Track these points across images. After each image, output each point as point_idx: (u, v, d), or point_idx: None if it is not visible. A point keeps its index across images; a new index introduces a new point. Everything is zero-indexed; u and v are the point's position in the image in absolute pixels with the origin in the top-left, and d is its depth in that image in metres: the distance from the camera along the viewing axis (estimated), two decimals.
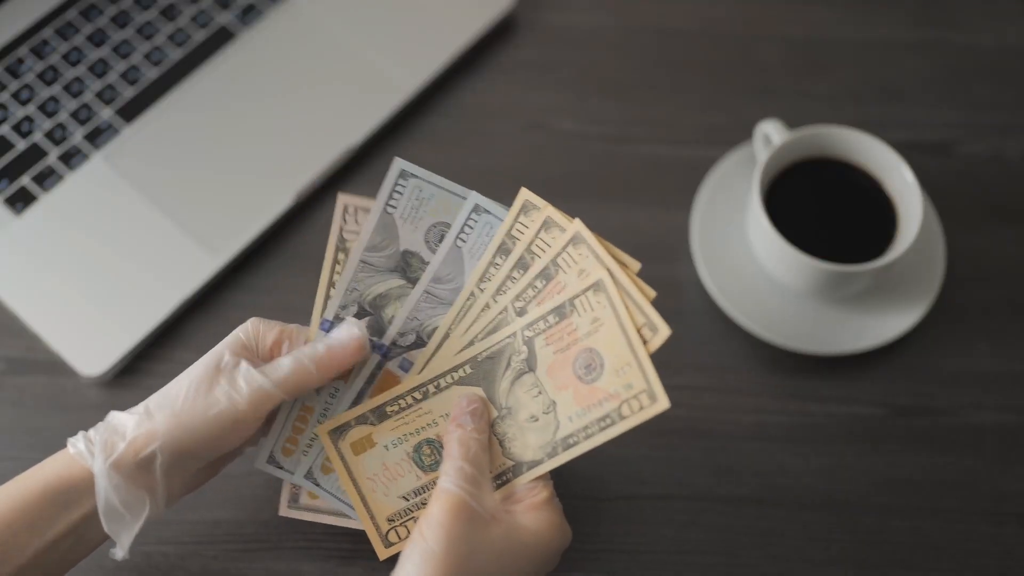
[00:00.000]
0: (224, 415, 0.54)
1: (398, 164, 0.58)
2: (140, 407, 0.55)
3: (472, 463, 0.54)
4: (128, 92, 0.79)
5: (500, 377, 0.56)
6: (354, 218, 0.59)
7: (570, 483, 0.70)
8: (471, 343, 0.57)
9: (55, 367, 0.72)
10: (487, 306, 0.57)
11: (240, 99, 0.79)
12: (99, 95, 0.79)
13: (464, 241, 0.58)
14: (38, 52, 0.80)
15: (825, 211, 0.73)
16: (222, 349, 0.56)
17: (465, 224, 0.58)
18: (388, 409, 0.58)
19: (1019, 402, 0.72)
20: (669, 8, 0.86)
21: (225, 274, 0.75)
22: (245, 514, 0.67)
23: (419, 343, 0.58)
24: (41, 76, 0.79)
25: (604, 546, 0.68)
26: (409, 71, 0.80)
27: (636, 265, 0.55)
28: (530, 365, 0.56)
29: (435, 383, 0.57)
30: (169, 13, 0.82)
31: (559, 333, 0.55)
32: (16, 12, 0.81)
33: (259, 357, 0.57)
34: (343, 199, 0.59)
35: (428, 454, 0.57)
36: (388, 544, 0.57)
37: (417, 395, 0.57)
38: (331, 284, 0.59)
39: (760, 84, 0.83)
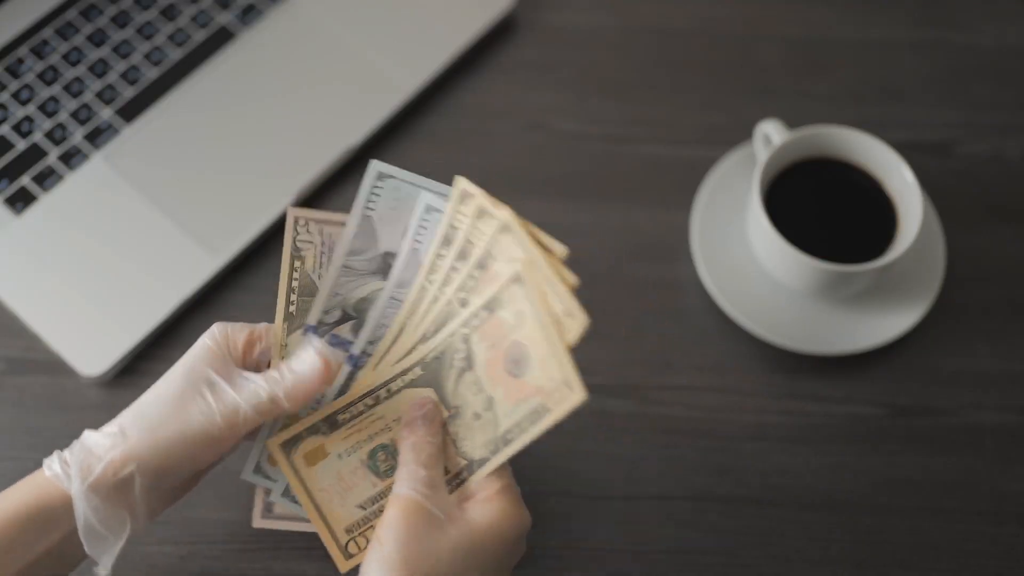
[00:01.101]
0: (201, 435, 0.53)
1: (375, 166, 0.57)
2: (114, 426, 0.53)
3: (426, 466, 0.53)
4: (128, 92, 0.79)
5: (446, 376, 0.56)
6: (306, 228, 0.58)
7: (570, 483, 0.70)
8: (419, 343, 0.56)
9: (55, 367, 0.72)
10: (435, 299, 0.57)
11: (240, 99, 0.79)
12: (99, 95, 0.79)
13: (420, 242, 0.57)
14: (38, 52, 0.80)
15: (825, 211, 0.73)
16: (193, 362, 0.54)
17: (419, 226, 0.57)
18: (339, 417, 0.56)
19: (1019, 402, 0.73)
20: (669, 8, 0.86)
21: (225, 274, 0.75)
22: (245, 514, 0.67)
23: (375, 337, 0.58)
24: (41, 76, 0.79)
25: (604, 546, 0.68)
26: (409, 71, 0.80)
27: (563, 251, 0.54)
28: (469, 363, 0.55)
29: (386, 388, 0.56)
30: (169, 13, 0.82)
31: (490, 328, 0.54)
32: (16, 12, 0.81)
33: (233, 362, 0.55)
34: (293, 212, 0.58)
35: (383, 460, 0.56)
36: (348, 556, 0.56)
37: (369, 401, 0.56)
38: (291, 288, 0.58)
39: (760, 84, 0.83)
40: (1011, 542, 0.68)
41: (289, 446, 0.57)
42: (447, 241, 0.56)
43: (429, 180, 0.58)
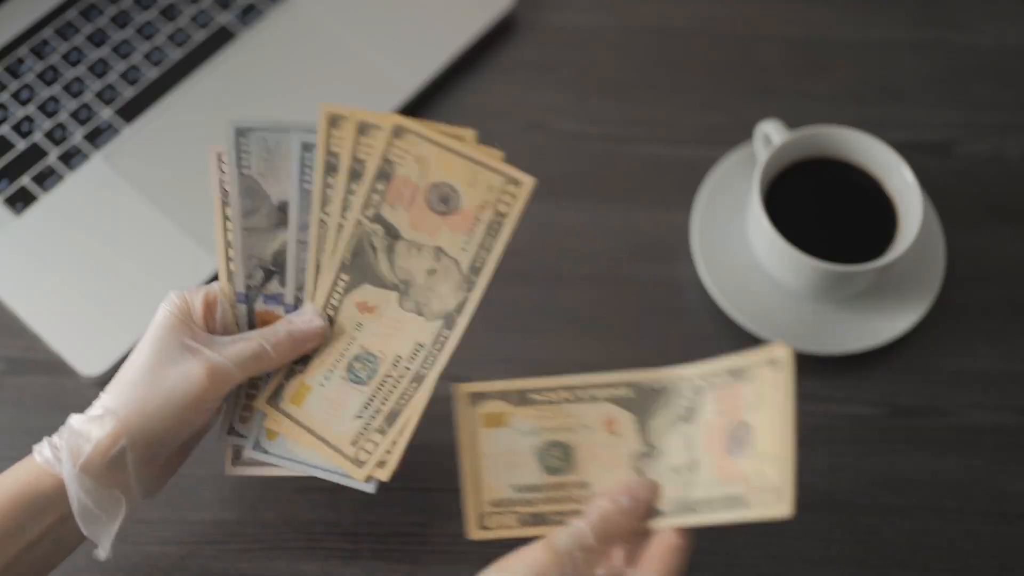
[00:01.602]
0: (186, 399, 0.53)
1: (230, 124, 0.57)
2: (97, 407, 0.54)
3: (598, 538, 0.52)
4: (128, 92, 0.79)
5: (658, 414, 0.55)
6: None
7: None
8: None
9: (55, 367, 0.72)
10: (340, 226, 0.57)
11: (240, 99, 0.79)
12: (99, 95, 0.79)
13: (309, 182, 0.57)
14: (38, 52, 0.80)
15: (825, 211, 0.73)
16: (161, 332, 0.55)
17: (303, 166, 0.57)
18: (533, 396, 0.56)
19: (1019, 402, 0.72)
20: (669, 8, 0.86)
21: None
22: (245, 514, 0.67)
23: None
24: (41, 76, 0.79)
25: None
26: (409, 71, 0.80)
27: (471, 132, 0.55)
28: (690, 416, 0.54)
29: (589, 391, 0.56)
30: (169, 13, 0.82)
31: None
32: (16, 12, 0.81)
33: (196, 325, 0.56)
34: (213, 149, 0.58)
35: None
36: (482, 527, 0.56)
37: (567, 395, 0.56)
38: (227, 242, 0.58)
39: (760, 84, 0.83)
40: (1011, 542, 0.68)
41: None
42: (331, 168, 0.57)
43: (292, 120, 0.57)
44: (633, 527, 0.53)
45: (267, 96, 0.79)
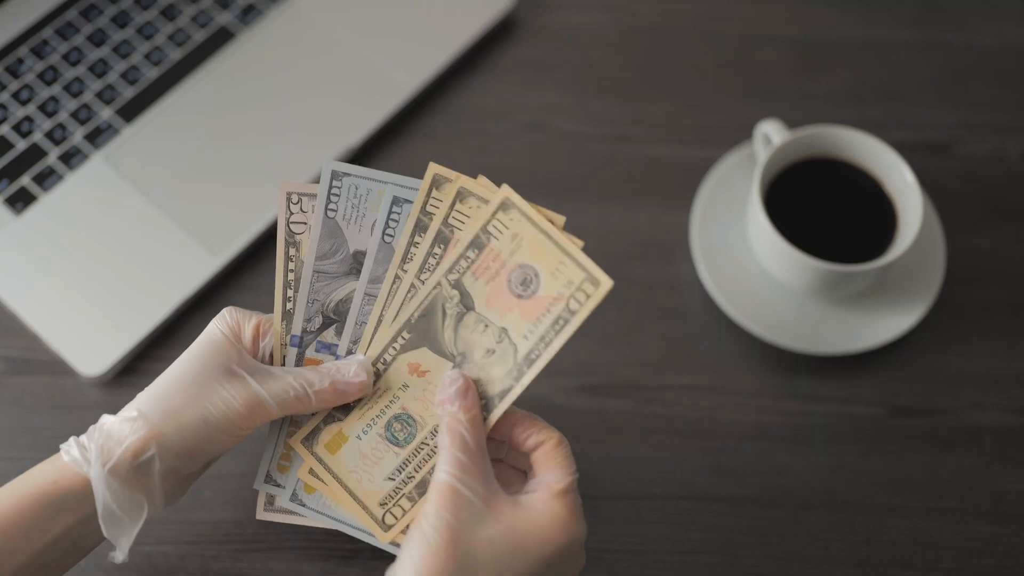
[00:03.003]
0: (222, 423, 0.54)
1: (328, 166, 0.57)
2: (131, 409, 0.54)
3: (462, 450, 0.53)
4: (128, 92, 0.79)
5: (440, 328, 0.56)
6: (299, 206, 0.58)
7: None
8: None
9: (55, 367, 0.72)
10: (413, 286, 0.57)
11: (240, 99, 0.79)
12: (99, 95, 0.79)
13: (392, 236, 0.57)
14: (38, 52, 0.80)
15: (825, 211, 0.73)
16: (209, 349, 0.55)
17: (388, 219, 0.57)
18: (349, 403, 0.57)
19: (1019, 402, 0.73)
20: (669, 8, 0.86)
21: (225, 274, 0.75)
22: (245, 514, 0.67)
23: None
24: (41, 76, 0.79)
25: (604, 546, 0.68)
26: (409, 71, 0.80)
27: (561, 219, 0.55)
28: (467, 304, 0.55)
29: (380, 360, 0.57)
30: (169, 13, 0.82)
31: (484, 263, 0.55)
32: (16, 12, 0.81)
33: (244, 349, 0.56)
34: (286, 187, 0.58)
35: (399, 429, 0.57)
36: (387, 527, 0.57)
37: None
38: (287, 283, 0.58)
39: (760, 84, 0.83)
40: (1011, 542, 0.68)
41: (309, 440, 0.57)
42: (421, 228, 0.57)
43: (387, 173, 0.57)
44: (479, 417, 0.54)
45: (267, 96, 0.79)
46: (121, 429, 0.53)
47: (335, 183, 0.57)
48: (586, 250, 0.55)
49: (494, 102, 0.82)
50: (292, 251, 0.58)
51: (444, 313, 0.56)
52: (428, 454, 0.57)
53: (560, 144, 0.81)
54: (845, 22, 0.86)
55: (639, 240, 0.77)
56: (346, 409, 0.57)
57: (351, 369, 0.56)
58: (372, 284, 0.57)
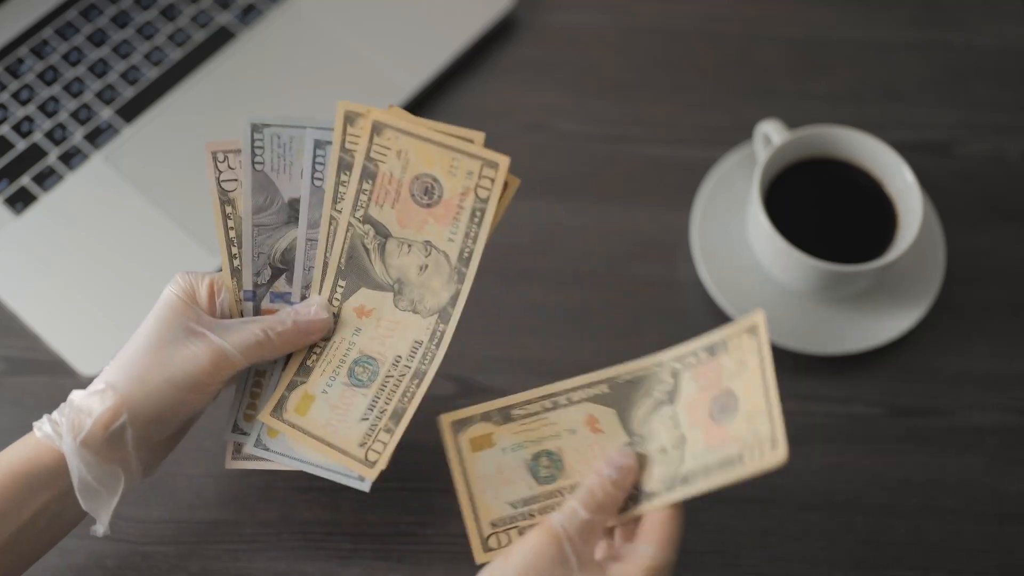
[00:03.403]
0: (188, 380, 0.54)
1: (248, 119, 0.57)
2: (99, 382, 0.54)
3: (591, 512, 0.53)
4: (128, 92, 0.79)
5: (638, 403, 0.56)
6: (226, 164, 0.58)
7: None
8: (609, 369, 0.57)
9: (55, 367, 0.72)
10: (350, 225, 0.57)
11: (240, 99, 0.79)
12: (99, 95, 0.79)
13: (321, 178, 0.58)
14: (38, 52, 0.80)
15: (825, 211, 0.73)
16: (166, 313, 0.55)
17: (315, 163, 0.58)
18: (514, 412, 0.57)
19: (1019, 402, 0.72)
20: (669, 8, 0.86)
21: None
22: (245, 514, 0.67)
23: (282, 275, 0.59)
24: (41, 76, 0.79)
25: None
26: (409, 71, 0.80)
27: (480, 136, 0.55)
28: (672, 397, 0.55)
29: (567, 395, 0.56)
30: (169, 13, 0.82)
31: (707, 370, 0.54)
32: (16, 12, 0.81)
33: (201, 308, 0.57)
34: (210, 147, 0.58)
35: (545, 466, 0.56)
36: (487, 548, 0.56)
37: (547, 404, 0.57)
38: (229, 240, 0.58)
39: (760, 84, 0.83)
40: (1011, 542, 0.68)
41: (459, 427, 0.57)
42: (345, 167, 0.57)
43: (307, 118, 0.57)
44: (621, 496, 0.54)
45: (267, 96, 0.79)
46: (90, 402, 0.53)
47: (256, 136, 0.57)
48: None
49: (494, 102, 0.82)
50: (228, 209, 0.58)
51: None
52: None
53: (560, 144, 0.81)
54: (845, 22, 0.86)
55: (639, 240, 0.77)
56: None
57: (311, 309, 0.57)
58: (311, 229, 0.58)
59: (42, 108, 0.78)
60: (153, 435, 0.55)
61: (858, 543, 0.68)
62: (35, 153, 0.77)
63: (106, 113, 0.78)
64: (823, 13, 0.86)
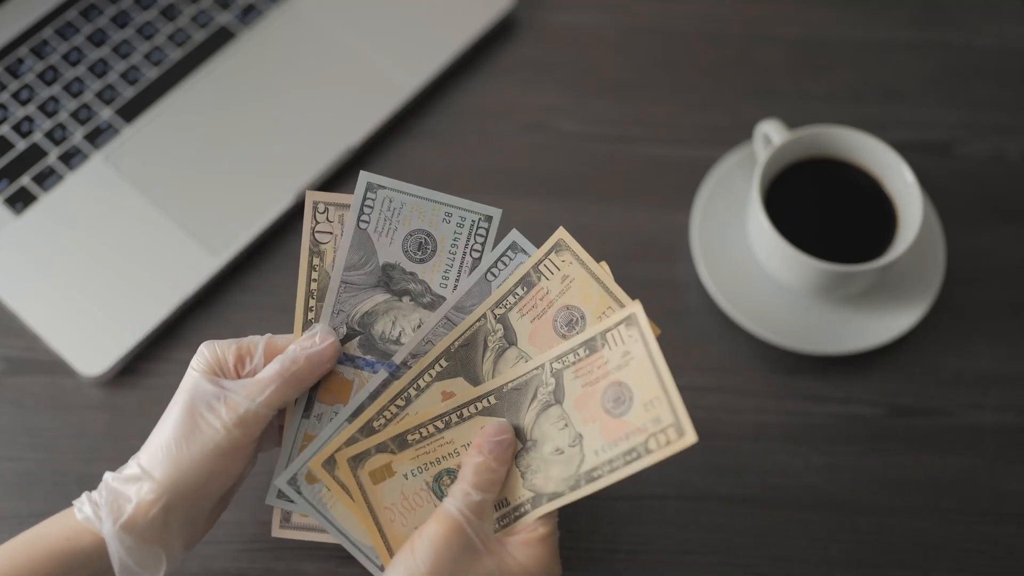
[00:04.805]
0: (217, 448, 0.53)
1: (364, 177, 0.57)
2: (133, 465, 0.54)
3: (481, 491, 0.54)
4: (128, 92, 0.79)
5: (526, 408, 0.56)
6: (325, 216, 0.57)
7: None
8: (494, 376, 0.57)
9: (55, 367, 0.72)
10: (484, 316, 0.57)
11: (240, 99, 0.79)
12: (99, 95, 0.79)
13: (495, 276, 0.57)
14: (38, 52, 0.80)
15: (825, 211, 0.73)
16: (190, 390, 0.55)
17: (499, 260, 0.57)
18: (409, 437, 0.56)
19: (1019, 402, 0.73)
20: (669, 8, 0.86)
21: (225, 274, 0.75)
22: (245, 514, 0.67)
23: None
24: (41, 76, 0.79)
25: (604, 546, 0.68)
26: (409, 71, 0.80)
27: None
28: (557, 397, 0.55)
29: (458, 412, 0.56)
30: (169, 13, 0.82)
31: (589, 366, 0.54)
32: (16, 12, 0.81)
33: (227, 377, 0.56)
34: (312, 196, 0.57)
35: (448, 484, 0.56)
36: None
37: (439, 424, 0.56)
38: (309, 292, 0.58)
39: (760, 84, 0.83)
40: (1011, 542, 0.69)
41: (357, 461, 0.56)
42: (527, 283, 0.57)
43: (423, 189, 0.57)
44: (505, 470, 0.55)
45: (267, 96, 0.79)
46: (127, 487, 0.53)
47: (369, 195, 0.57)
48: (587, 250, 0.56)
49: (494, 102, 0.82)
50: (316, 260, 0.58)
51: (535, 396, 0.56)
52: None
53: (560, 144, 0.81)
54: (845, 22, 0.86)
55: (639, 240, 0.77)
56: (402, 444, 0.57)
57: (315, 339, 0.56)
58: (456, 311, 0.57)
59: (42, 108, 0.78)
60: (195, 513, 0.55)
61: (858, 543, 0.68)
62: (35, 153, 0.77)
63: (106, 113, 0.78)
64: (823, 13, 0.86)
